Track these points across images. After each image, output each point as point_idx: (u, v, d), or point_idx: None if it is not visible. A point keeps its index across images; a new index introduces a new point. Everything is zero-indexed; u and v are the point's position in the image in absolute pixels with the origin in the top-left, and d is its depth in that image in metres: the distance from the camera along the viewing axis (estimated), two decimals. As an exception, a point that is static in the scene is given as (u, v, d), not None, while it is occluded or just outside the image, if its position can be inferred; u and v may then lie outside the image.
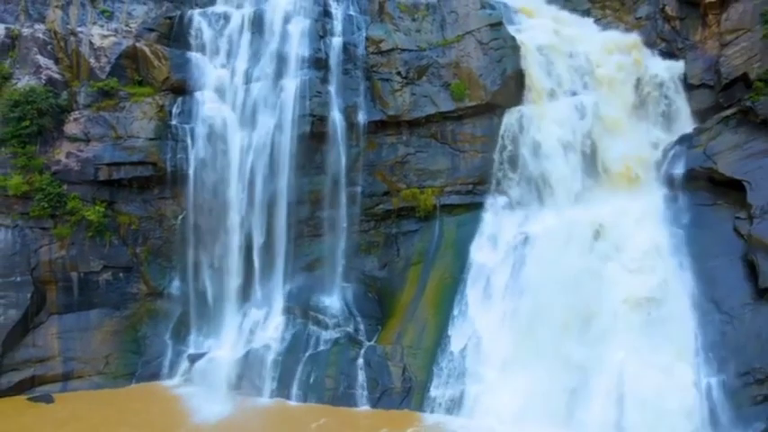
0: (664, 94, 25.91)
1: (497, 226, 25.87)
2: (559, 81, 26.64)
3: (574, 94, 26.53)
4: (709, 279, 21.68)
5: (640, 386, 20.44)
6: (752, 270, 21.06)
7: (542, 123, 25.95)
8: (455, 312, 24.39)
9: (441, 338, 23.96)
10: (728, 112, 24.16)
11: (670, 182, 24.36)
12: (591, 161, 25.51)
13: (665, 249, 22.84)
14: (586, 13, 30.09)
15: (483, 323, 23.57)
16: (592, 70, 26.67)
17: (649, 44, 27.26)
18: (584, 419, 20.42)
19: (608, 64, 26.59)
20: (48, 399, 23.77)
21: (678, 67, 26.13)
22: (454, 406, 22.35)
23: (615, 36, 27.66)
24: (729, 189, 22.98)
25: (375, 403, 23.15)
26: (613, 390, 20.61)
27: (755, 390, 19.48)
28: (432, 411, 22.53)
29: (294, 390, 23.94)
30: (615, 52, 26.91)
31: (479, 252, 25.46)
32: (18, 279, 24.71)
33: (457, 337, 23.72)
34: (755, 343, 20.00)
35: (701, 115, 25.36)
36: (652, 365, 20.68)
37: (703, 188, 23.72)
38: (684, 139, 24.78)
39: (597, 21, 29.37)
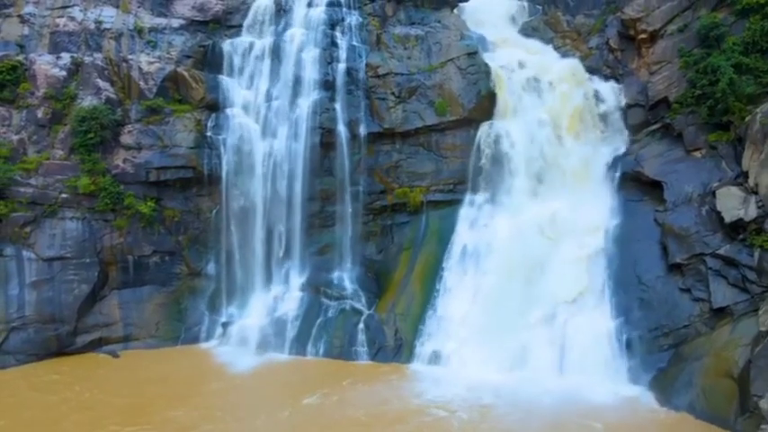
0: (607, 111, 31.39)
1: (472, 218, 31.46)
2: (523, 100, 32.08)
3: (536, 110, 31.93)
4: (633, 258, 27.47)
5: (577, 340, 26.37)
6: (664, 251, 26.94)
7: (509, 134, 31.45)
8: (437, 287, 30.07)
9: (425, 307, 29.70)
10: (654, 127, 29.91)
11: (609, 182, 29.98)
12: (547, 165, 31.05)
13: (603, 235, 28.64)
14: (550, 41, 35.47)
15: (458, 295, 29.38)
16: (550, 91, 32.14)
17: (598, 69, 32.65)
18: (534, 364, 26.32)
19: (563, 86, 31.97)
20: (114, 355, 29.48)
21: (618, 89, 31.54)
22: (434, 358, 28.06)
23: (570, 63, 32.94)
24: (653, 188, 28.65)
25: (372, 357, 28.87)
26: (557, 343, 26.52)
27: (662, 340, 25.40)
28: (418, 363, 28.23)
29: (309, 347, 29.59)
30: (569, 76, 32.36)
31: (457, 239, 31.08)
32: (87, 260, 30.11)
33: (438, 306, 29.52)
34: (664, 306, 25.86)
35: (635, 129, 30.79)
36: (587, 324, 26.66)
37: (634, 187, 29.35)
38: (621, 149, 30.63)
39: (558, 49, 34.60)
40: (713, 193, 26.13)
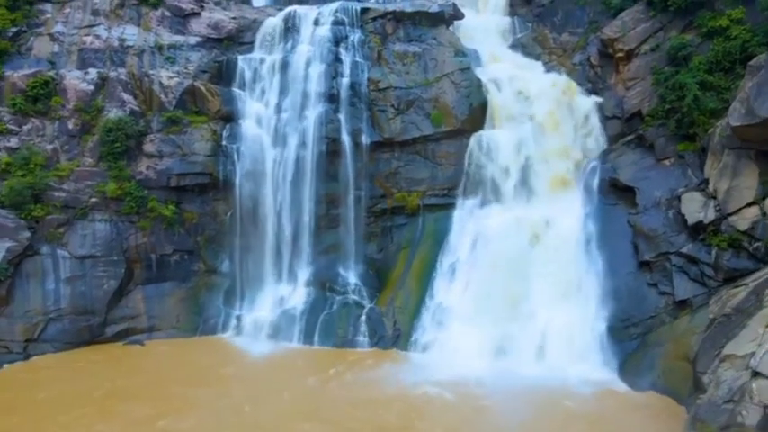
0: (588, 122, 34.31)
1: (464, 220, 34.08)
2: (512, 111, 34.93)
3: (523, 121, 34.82)
4: (609, 256, 30.21)
5: (557, 328, 29.20)
6: (635, 249, 29.84)
7: (498, 144, 34.29)
8: (432, 283, 32.86)
9: (421, 301, 32.57)
10: (629, 137, 32.73)
11: (588, 188, 32.74)
12: (533, 172, 33.86)
13: (581, 235, 31.36)
14: (538, 57, 38.44)
15: (451, 290, 32.25)
16: (537, 103, 34.94)
17: (580, 84, 35.48)
18: (517, 352, 29.21)
19: (548, 99, 34.78)
20: (139, 344, 32.47)
21: (598, 102, 34.38)
22: (429, 346, 30.95)
23: (555, 77, 35.81)
24: (627, 193, 31.41)
25: (373, 346, 31.78)
26: (538, 333, 29.39)
27: (632, 329, 28.34)
28: (413, 351, 31.21)
29: (316, 337, 32.42)
30: (554, 90, 35.12)
31: (450, 239, 33.86)
32: (115, 258, 32.95)
33: (432, 300, 32.35)
34: (634, 299, 28.82)
35: (612, 139, 33.62)
36: (566, 314, 29.53)
37: (610, 192, 32.08)
38: (599, 157, 33.47)
39: (545, 64, 37.42)
40: (679, 198, 29.02)
